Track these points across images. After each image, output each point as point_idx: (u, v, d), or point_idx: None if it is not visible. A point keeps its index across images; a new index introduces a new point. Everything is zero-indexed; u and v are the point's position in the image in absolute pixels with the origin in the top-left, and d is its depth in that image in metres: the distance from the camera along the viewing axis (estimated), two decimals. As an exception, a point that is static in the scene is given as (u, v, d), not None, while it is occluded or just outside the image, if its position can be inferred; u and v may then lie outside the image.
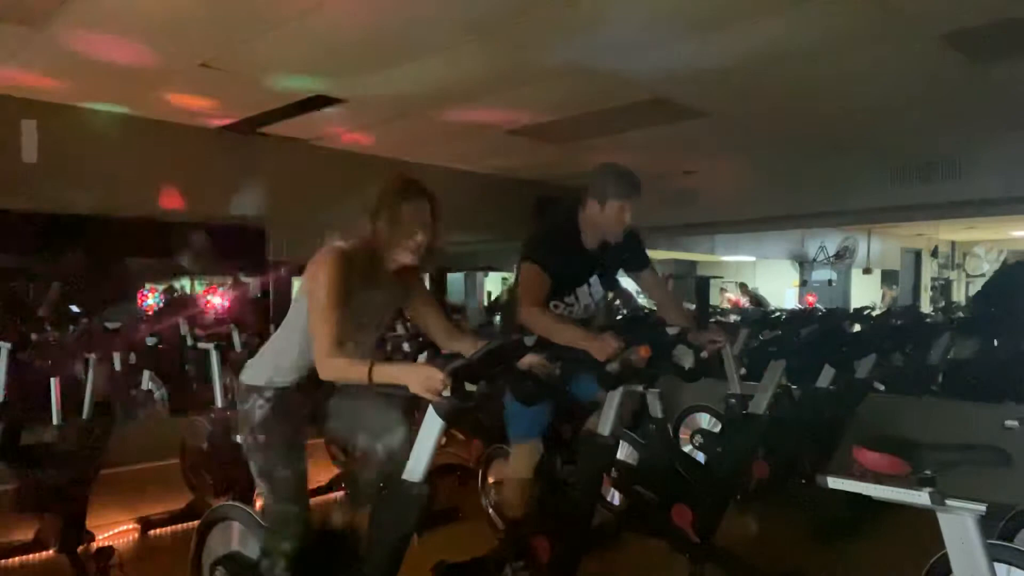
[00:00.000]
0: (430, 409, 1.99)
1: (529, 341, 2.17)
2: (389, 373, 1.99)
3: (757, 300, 12.31)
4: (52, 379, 3.53)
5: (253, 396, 2.30)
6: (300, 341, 2.25)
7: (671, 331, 2.99)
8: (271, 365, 2.34)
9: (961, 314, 8.55)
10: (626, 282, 3.56)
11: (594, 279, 3.07)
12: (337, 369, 2.07)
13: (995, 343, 5.77)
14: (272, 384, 2.31)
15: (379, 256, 2.24)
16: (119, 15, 3.53)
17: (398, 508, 2.06)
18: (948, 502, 1.72)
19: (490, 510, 3.74)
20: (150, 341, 5.48)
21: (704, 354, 3.10)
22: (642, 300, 11.30)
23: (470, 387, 1.97)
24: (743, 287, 12.86)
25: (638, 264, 3.18)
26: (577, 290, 3.03)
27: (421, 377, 1.91)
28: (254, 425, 2.28)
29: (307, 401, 2.36)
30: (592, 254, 3.03)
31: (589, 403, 3.08)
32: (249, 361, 2.42)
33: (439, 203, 2.27)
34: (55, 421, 3.48)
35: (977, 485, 1.91)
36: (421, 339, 4.99)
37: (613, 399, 2.90)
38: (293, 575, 2.26)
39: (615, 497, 3.59)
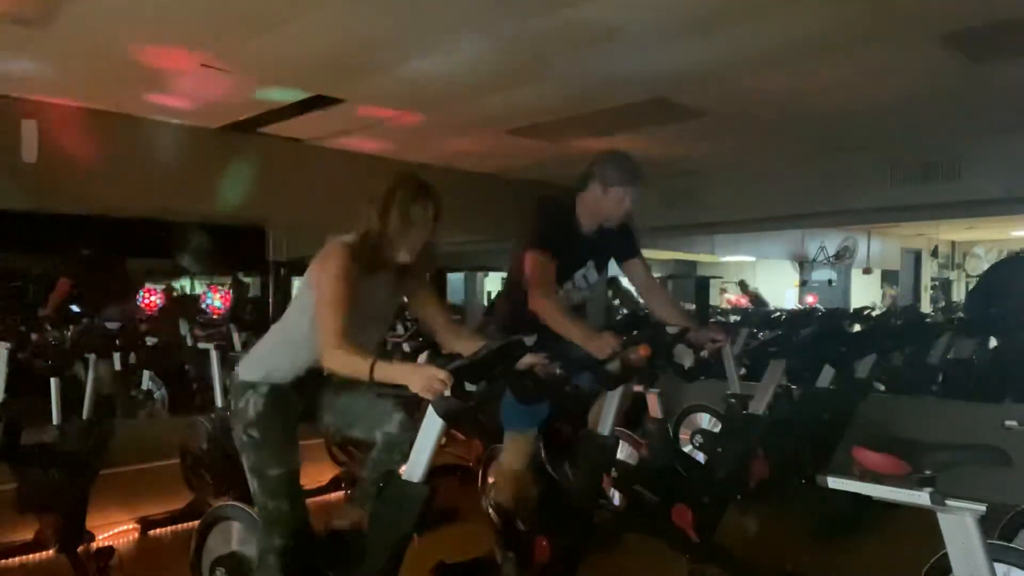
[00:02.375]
0: (430, 409, 1.99)
1: (529, 341, 2.16)
2: (390, 372, 2.00)
3: (757, 299, 12.31)
4: (52, 379, 3.53)
5: (248, 392, 2.30)
6: (300, 338, 2.25)
7: (671, 330, 2.99)
8: (268, 361, 2.35)
9: (961, 314, 8.56)
10: (626, 282, 3.57)
11: (590, 263, 3.11)
12: (342, 360, 2.07)
13: (995, 343, 5.78)
14: (268, 380, 2.30)
15: (383, 251, 2.26)
16: (119, 15, 3.53)
17: (398, 508, 2.06)
18: (948, 502, 1.72)
19: (490, 510, 3.74)
20: (150, 341, 5.48)
21: (704, 353, 3.11)
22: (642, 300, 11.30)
23: (470, 387, 1.97)
24: (743, 285, 12.86)
25: (628, 252, 3.19)
26: (575, 275, 3.07)
27: (423, 377, 1.91)
28: (248, 422, 2.28)
29: (303, 398, 2.36)
30: (589, 239, 3.06)
31: (588, 395, 3.07)
32: (245, 356, 2.42)
33: (442, 205, 2.30)
34: (55, 421, 3.48)
35: (977, 485, 1.91)
36: (421, 339, 5.00)
37: (613, 399, 2.90)
38: (291, 575, 2.26)
39: (615, 497, 3.59)
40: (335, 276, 2.14)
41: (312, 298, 2.21)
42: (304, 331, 2.22)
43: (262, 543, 2.30)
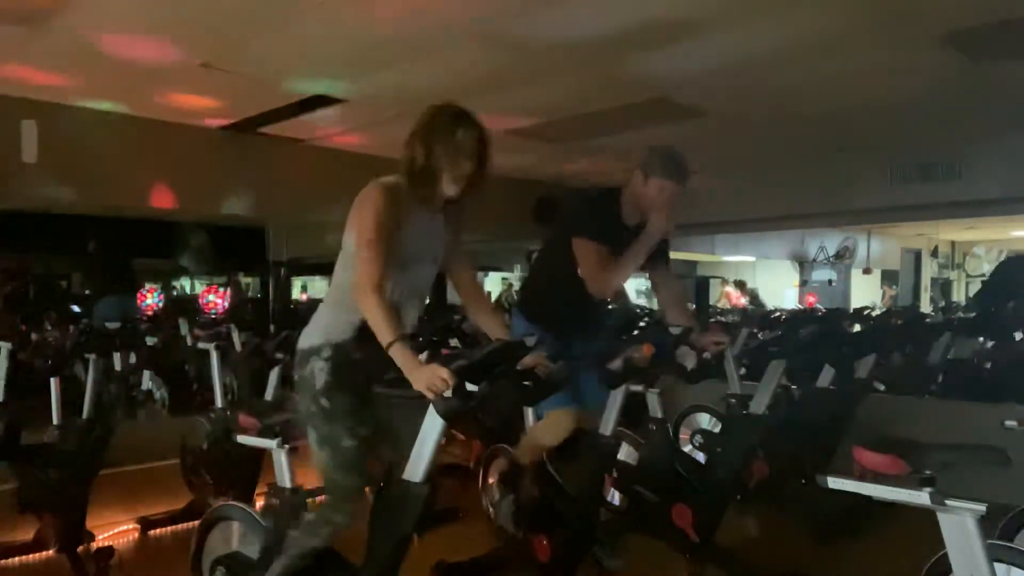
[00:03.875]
0: (430, 409, 1.99)
1: (530, 341, 2.16)
2: (402, 359, 1.97)
3: (755, 298, 12.36)
4: (52, 379, 3.53)
5: (311, 359, 2.22)
6: (352, 294, 2.15)
7: (674, 331, 2.99)
8: (324, 322, 2.27)
9: (961, 314, 8.57)
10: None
11: None
12: (373, 309, 2.03)
13: (995, 343, 5.77)
14: (329, 342, 2.22)
15: (427, 186, 2.18)
16: (119, 15, 3.53)
17: (398, 508, 2.06)
18: (948, 502, 1.72)
19: (490, 510, 3.74)
20: (150, 341, 5.48)
21: (706, 355, 3.09)
22: (641, 300, 11.33)
23: (471, 387, 1.97)
24: (741, 284, 12.88)
25: (658, 260, 3.12)
26: None
27: (425, 376, 1.90)
28: (316, 391, 2.19)
29: (368, 355, 2.21)
30: (631, 232, 2.97)
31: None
32: (304, 329, 2.33)
33: (487, 133, 2.21)
34: (55, 421, 3.48)
35: (977, 485, 1.91)
36: (421, 339, 5.00)
37: (615, 399, 2.90)
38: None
39: (615, 497, 3.59)
40: (371, 218, 2.08)
41: (351, 247, 2.16)
42: (350, 284, 2.15)
43: (324, 514, 2.19)
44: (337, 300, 2.27)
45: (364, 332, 2.12)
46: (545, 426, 3.05)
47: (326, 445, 2.19)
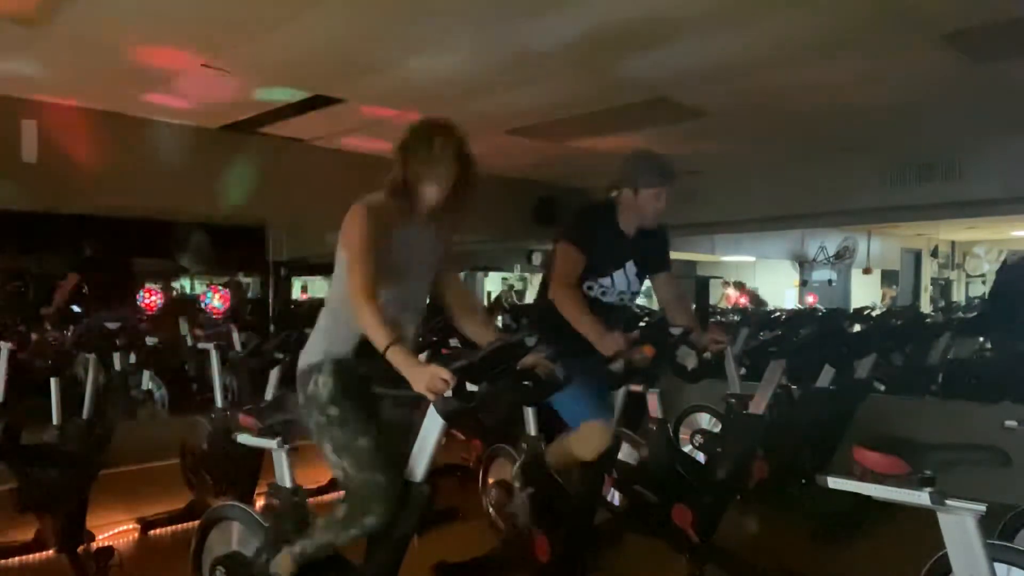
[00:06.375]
0: (431, 409, 1.99)
1: (530, 341, 2.16)
2: (400, 361, 1.97)
3: (756, 299, 12.34)
4: (52, 379, 3.53)
5: (313, 375, 2.24)
6: (344, 306, 2.18)
7: (674, 331, 2.99)
8: (324, 338, 2.30)
9: (961, 314, 8.57)
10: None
11: (630, 266, 3.04)
12: (368, 318, 2.05)
13: (995, 343, 5.77)
14: (329, 355, 2.25)
15: (406, 198, 2.23)
16: (119, 15, 3.53)
17: (398, 508, 2.07)
18: (948, 502, 1.72)
19: (490, 510, 3.74)
20: (150, 341, 5.48)
21: (707, 355, 3.09)
22: (641, 300, 11.30)
23: (471, 387, 1.97)
24: (740, 286, 12.87)
25: (661, 265, 3.15)
26: (613, 274, 3.00)
27: (425, 377, 1.90)
28: (323, 402, 2.21)
29: (369, 369, 2.22)
30: (630, 240, 3.00)
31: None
32: (302, 351, 2.35)
33: (467, 143, 2.25)
34: (55, 421, 3.48)
35: (977, 485, 1.91)
36: (421, 339, 4.99)
37: (615, 399, 2.90)
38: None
39: (615, 497, 3.59)
40: (357, 236, 2.13)
41: (344, 264, 2.20)
42: (346, 298, 2.17)
43: (349, 517, 2.14)
44: (332, 312, 2.31)
45: (364, 347, 2.15)
46: (580, 439, 2.88)
47: (344, 452, 2.16)
